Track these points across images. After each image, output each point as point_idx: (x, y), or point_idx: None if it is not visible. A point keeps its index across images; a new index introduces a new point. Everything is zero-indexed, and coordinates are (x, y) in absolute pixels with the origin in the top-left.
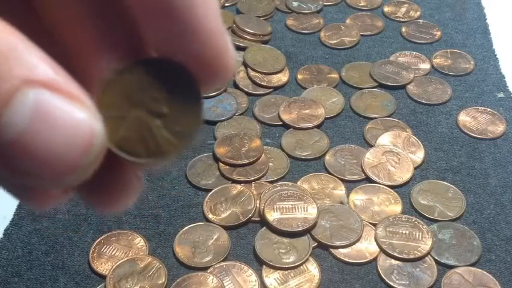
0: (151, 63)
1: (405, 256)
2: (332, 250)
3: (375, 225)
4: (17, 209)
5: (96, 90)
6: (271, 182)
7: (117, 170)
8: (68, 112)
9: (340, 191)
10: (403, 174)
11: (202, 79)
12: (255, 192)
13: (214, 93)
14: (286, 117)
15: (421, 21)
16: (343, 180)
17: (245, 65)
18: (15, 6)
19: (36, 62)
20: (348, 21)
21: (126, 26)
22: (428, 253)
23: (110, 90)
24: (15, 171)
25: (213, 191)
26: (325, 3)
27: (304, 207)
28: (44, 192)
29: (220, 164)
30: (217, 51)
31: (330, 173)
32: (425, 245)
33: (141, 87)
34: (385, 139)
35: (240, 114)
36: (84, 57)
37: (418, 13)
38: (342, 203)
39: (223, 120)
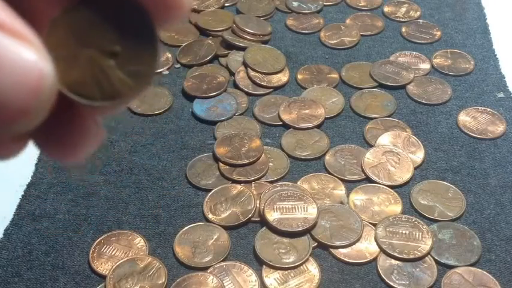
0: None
1: (405, 256)
2: (332, 250)
3: (375, 225)
4: (17, 209)
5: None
6: (271, 182)
7: (74, 116)
8: (15, 52)
9: (340, 191)
10: (403, 174)
11: (155, 14)
12: (255, 192)
13: (214, 93)
14: (286, 117)
15: (421, 21)
16: (343, 180)
17: (245, 65)
18: None
19: None
20: (348, 21)
21: None
22: (428, 253)
23: (57, 30)
24: None
25: (213, 191)
26: (325, 3)
27: (304, 207)
28: None
29: (220, 164)
30: None
31: (330, 173)
32: (425, 245)
33: (90, 25)
34: (385, 139)
35: (240, 114)
36: None
37: (418, 13)
38: (342, 203)
39: (223, 120)
